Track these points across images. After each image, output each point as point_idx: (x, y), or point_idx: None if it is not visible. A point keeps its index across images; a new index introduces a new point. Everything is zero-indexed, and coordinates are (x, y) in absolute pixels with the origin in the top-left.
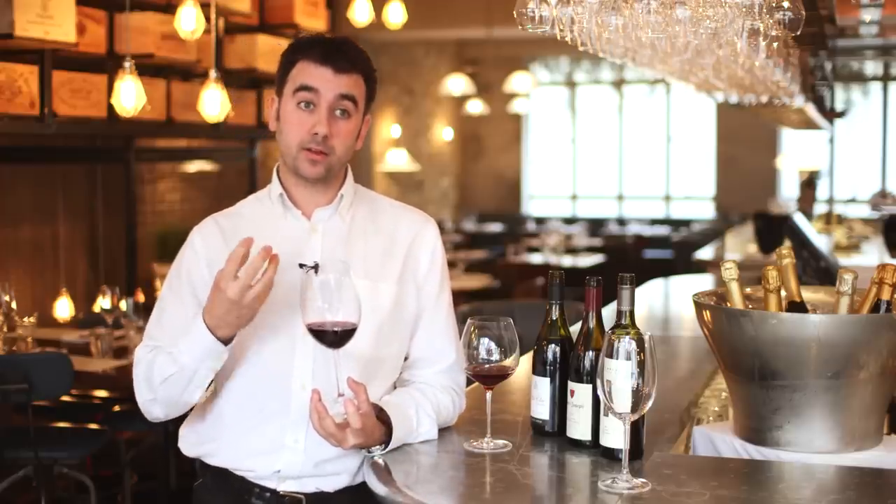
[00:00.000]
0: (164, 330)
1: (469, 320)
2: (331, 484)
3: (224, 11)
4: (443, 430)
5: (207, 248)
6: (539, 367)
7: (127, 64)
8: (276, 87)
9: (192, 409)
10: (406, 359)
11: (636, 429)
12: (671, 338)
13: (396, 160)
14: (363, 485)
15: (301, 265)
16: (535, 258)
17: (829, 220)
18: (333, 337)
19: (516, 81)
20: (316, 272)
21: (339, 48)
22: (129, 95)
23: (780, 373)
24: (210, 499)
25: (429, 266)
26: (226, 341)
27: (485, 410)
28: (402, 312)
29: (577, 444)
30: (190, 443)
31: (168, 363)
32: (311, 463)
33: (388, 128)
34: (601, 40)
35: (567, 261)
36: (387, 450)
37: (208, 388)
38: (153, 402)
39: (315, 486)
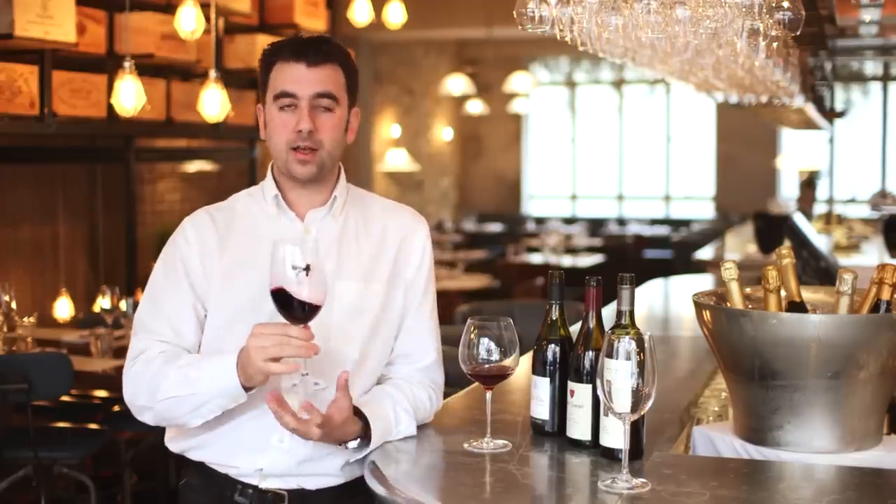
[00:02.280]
0: (161, 321)
1: (469, 320)
2: (313, 483)
3: (224, 11)
4: (442, 430)
5: (200, 239)
6: (539, 367)
7: (127, 64)
8: (260, 95)
9: None
10: None
11: (636, 429)
12: (671, 338)
13: (396, 160)
14: (346, 484)
15: (293, 267)
16: (535, 258)
17: (829, 220)
18: (301, 311)
19: (516, 81)
20: (307, 274)
21: (311, 42)
22: (129, 95)
23: (779, 373)
24: (195, 497)
25: (417, 267)
26: (247, 388)
27: (485, 410)
28: (390, 312)
29: (576, 444)
30: (174, 438)
31: (180, 383)
32: (295, 462)
33: (388, 128)
34: (601, 40)
35: (567, 261)
36: (368, 449)
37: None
38: (147, 410)
39: (297, 484)
